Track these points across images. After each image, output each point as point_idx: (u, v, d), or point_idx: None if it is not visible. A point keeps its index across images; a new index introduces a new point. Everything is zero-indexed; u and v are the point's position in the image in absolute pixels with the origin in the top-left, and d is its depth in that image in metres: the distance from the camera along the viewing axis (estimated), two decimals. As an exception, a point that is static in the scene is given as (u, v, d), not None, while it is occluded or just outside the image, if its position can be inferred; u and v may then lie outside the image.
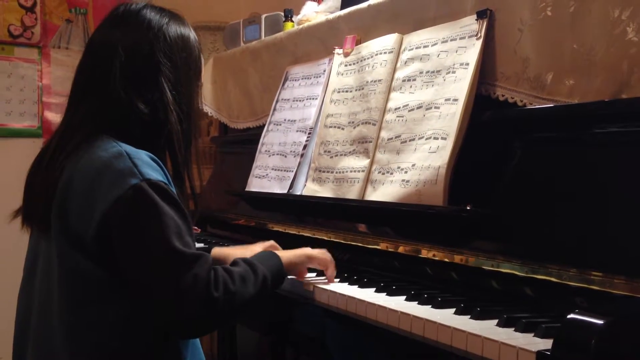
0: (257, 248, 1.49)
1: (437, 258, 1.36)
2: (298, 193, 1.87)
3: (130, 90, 1.21)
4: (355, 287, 1.37)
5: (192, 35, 1.31)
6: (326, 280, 1.43)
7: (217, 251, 1.53)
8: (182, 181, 1.26)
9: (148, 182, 1.12)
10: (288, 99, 2.09)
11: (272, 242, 1.53)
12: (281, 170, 1.97)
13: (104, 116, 1.21)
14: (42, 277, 1.21)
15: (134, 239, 1.11)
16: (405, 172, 1.49)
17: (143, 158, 1.15)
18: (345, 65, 1.85)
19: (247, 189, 2.11)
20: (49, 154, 1.23)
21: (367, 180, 1.62)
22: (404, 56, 1.64)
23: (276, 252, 1.37)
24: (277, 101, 2.14)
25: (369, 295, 1.29)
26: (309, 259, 1.42)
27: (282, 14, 2.37)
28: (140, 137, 1.20)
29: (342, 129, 1.77)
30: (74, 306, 1.14)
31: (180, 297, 1.09)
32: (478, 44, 1.43)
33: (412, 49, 1.62)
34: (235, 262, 1.24)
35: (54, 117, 3.01)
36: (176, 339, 1.20)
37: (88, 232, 1.12)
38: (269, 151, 2.08)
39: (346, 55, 1.86)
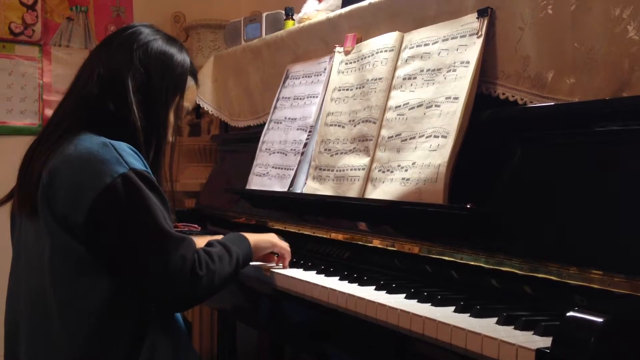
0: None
1: (436, 256, 1.36)
2: (298, 191, 1.87)
3: (103, 89, 1.31)
4: (355, 285, 1.37)
5: (181, 57, 1.40)
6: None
7: None
8: None
9: (134, 171, 1.21)
10: (289, 97, 2.09)
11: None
12: (281, 169, 1.97)
13: (78, 113, 1.31)
14: (31, 257, 1.28)
15: (125, 224, 1.20)
16: (406, 171, 1.49)
17: (125, 149, 1.24)
18: (346, 64, 1.84)
19: (247, 187, 2.11)
20: (33, 146, 1.33)
21: (368, 179, 1.62)
22: (404, 54, 1.64)
23: (244, 234, 1.49)
24: (277, 99, 2.14)
25: (368, 293, 1.29)
26: (272, 246, 1.57)
27: (283, 12, 2.37)
28: (114, 134, 1.27)
29: (343, 127, 1.77)
30: (66, 279, 1.22)
31: (171, 276, 1.21)
32: (479, 42, 1.43)
33: (412, 47, 1.62)
34: (210, 244, 1.36)
35: (55, 115, 3.01)
36: (163, 312, 1.29)
37: (77, 218, 1.19)
38: (269, 149, 2.08)
39: (347, 53, 1.86)
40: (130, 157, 1.23)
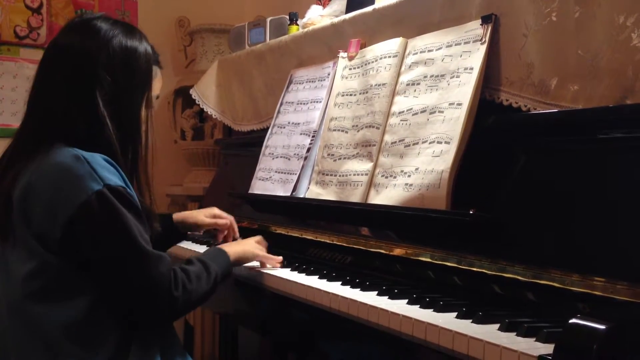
0: (199, 216, 1.76)
1: (439, 262, 1.36)
2: (301, 196, 1.87)
3: (70, 103, 1.26)
4: (358, 290, 1.37)
5: (143, 47, 1.33)
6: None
7: (177, 215, 1.76)
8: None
9: (108, 188, 1.19)
10: (292, 102, 2.09)
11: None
12: (284, 173, 1.98)
13: (46, 130, 1.28)
14: (5, 271, 1.25)
15: (101, 242, 1.19)
16: (409, 176, 1.49)
17: (99, 161, 1.21)
18: (350, 69, 1.85)
19: (250, 192, 2.11)
20: (3, 163, 1.30)
21: (370, 184, 1.62)
22: (408, 60, 1.64)
23: (224, 248, 1.50)
24: (281, 104, 2.15)
25: (371, 298, 1.29)
26: (254, 257, 1.59)
27: (287, 17, 2.38)
28: (88, 146, 1.24)
29: (346, 132, 1.77)
30: (44, 292, 1.20)
31: (146, 295, 1.22)
32: (482, 48, 1.43)
33: (416, 53, 1.62)
34: (190, 261, 1.36)
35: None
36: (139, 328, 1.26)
37: (53, 234, 1.18)
38: (272, 154, 2.08)
39: (351, 58, 1.86)
40: (105, 170, 1.20)
